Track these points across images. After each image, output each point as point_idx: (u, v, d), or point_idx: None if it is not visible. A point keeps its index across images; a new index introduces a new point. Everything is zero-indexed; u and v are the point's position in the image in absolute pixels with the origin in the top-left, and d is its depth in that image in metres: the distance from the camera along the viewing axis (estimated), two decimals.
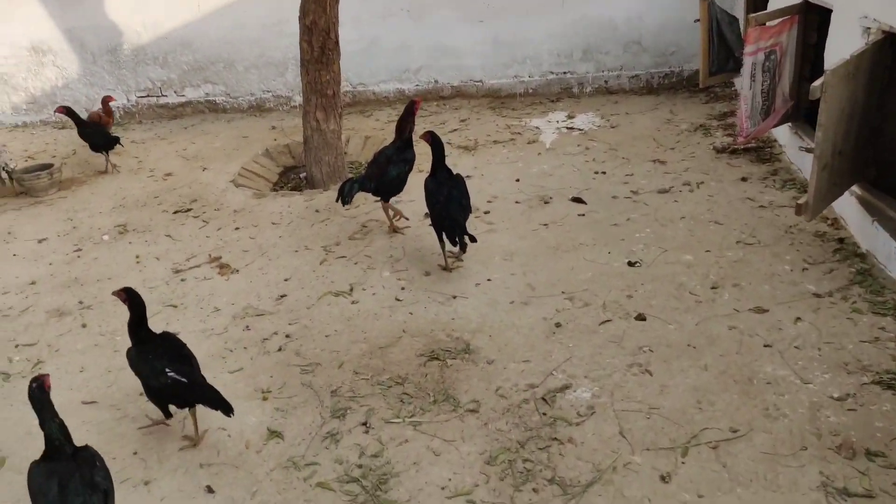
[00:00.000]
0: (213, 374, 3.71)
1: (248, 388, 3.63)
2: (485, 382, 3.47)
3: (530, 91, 8.61)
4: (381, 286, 4.54)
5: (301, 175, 7.05)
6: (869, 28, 4.53)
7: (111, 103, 7.51)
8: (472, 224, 5.33)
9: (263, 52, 8.54)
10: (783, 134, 6.34)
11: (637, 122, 7.52)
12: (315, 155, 6.70)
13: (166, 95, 8.75)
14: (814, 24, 5.88)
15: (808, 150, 5.17)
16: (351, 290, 4.51)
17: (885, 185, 4.75)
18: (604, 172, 6.25)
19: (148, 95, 8.75)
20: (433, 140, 4.76)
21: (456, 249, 4.67)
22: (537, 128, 7.58)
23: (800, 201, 4.41)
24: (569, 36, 8.35)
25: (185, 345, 3.30)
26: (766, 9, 6.61)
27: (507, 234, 5.19)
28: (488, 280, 4.52)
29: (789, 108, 6.11)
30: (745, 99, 5.82)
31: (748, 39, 5.61)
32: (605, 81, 8.50)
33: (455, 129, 7.73)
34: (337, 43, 6.52)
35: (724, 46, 7.25)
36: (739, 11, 7.53)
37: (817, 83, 4.10)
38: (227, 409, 3.10)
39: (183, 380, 3.10)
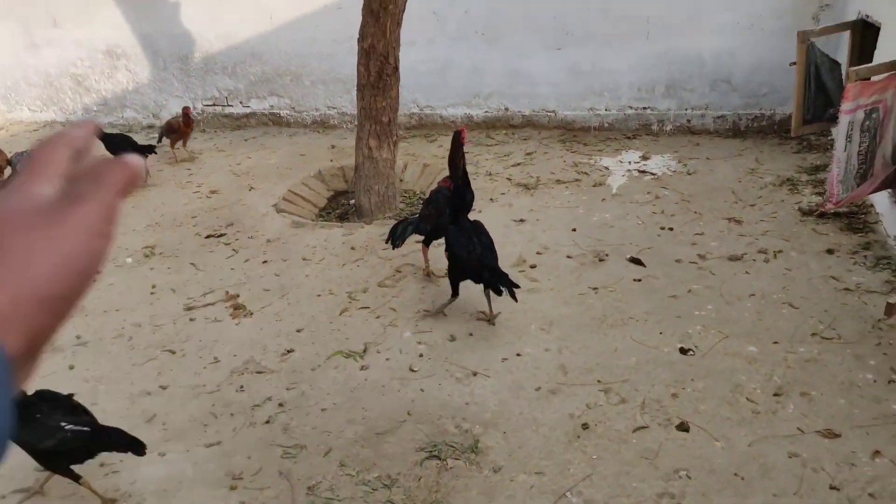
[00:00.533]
0: (188, 446, 3.44)
1: (220, 470, 3.31)
2: (486, 497, 3.03)
3: (606, 125, 8.06)
4: (398, 349, 4.17)
5: (350, 202, 6.80)
6: None
7: (190, 113, 7.47)
8: (514, 275, 4.91)
9: (332, 67, 8.36)
10: (882, 201, 5.59)
11: (717, 169, 6.87)
12: (365, 183, 6.42)
13: (232, 105, 8.70)
14: None
15: None
16: (364, 351, 4.17)
17: None
18: (671, 228, 5.68)
19: (214, 104, 8.73)
20: (455, 191, 4.43)
21: (491, 311, 4.30)
22: (607, 168, 7.04)
23: (891, 301, 3.76)
24: (652, 69, 7.76)
25: (69, 396, 3.06)
26: (871, 60, 5.86)
27: (551, 297, 4.73)
28: (517, 355, 4.09)
29: (890, 174, 5.37)
30: (837, 161, 5.13)
31: (847, 96, 4.93)
32: (688, 120, 7.86)
33: (518, 164, 7.29)
34: (396, 69, 6.22)
35: (822, 93, 6.52)
36: (843, 55, 6.76)
37: None
38: (138, 448, 2.95)
39: (85, 429, 2.87)
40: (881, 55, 5.78)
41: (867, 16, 6.30)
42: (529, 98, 8.15)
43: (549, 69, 7.97)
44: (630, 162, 7.16)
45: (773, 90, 7.54)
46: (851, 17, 6.70)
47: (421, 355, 4.12)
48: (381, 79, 6.16)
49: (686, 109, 7.84)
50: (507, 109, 8.25)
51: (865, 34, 6.46)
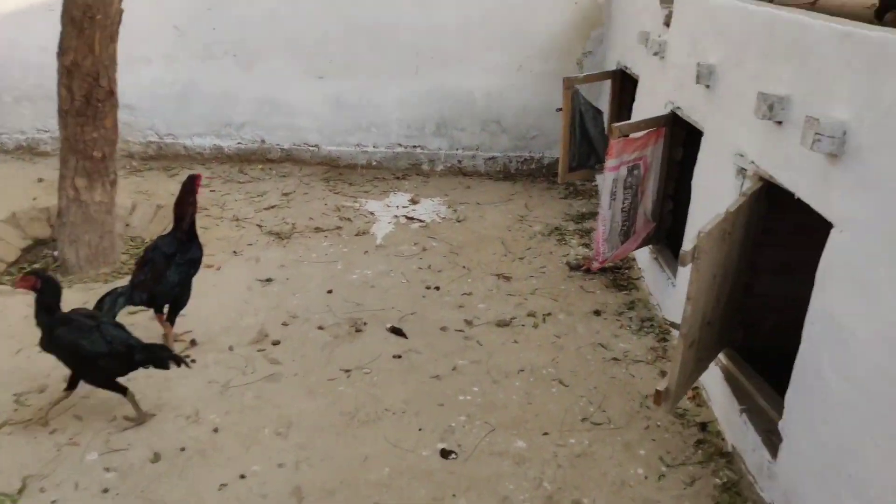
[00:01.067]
0: None
1: None
2: None
3: (374, 163, 7.44)
4: (73, 483, 3.07)
5: (53, 253, 5.42)
6: (744, 170, 3.70)
7: None
8: (251, 358, 4.01)
9: (42, 82, 6.83)
10: (643, 257, 5.52)
11: (488, 215, 6.52)
12: (71, 232, 5.13)
13: None
14: (680, 138, 5.12)
15: (673, 326, 4.28)
16: (21, 490, 3.01)
17: (752, 350, 3.95)
18: (437, 287, 5.13)
19: None
20: (44, 286, 3.39)
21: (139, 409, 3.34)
22: (373, 214, 6.38)
23: (659, 387, 3.44)
24: (422, 105, 7.29)
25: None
26: (630, 115, 5.84)
27: (294, 386, 3.89)
28: (241, 477, 3.19)
29: (651, 231, 5.30)
30: (603, 219, 4.92)
31: (611, 152, 4.73)
32: (459, 161, 7.49)
33: (273, 206, 6.38)
34: (112, 92, 5.04)
35: (586, 140, 6.44)
36: (605, 104, 6.77)
37: (688, 248, 3.17)
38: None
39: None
40: (639, 107, 5.76)
41: (625, 67, 6.33)
42: (289, 130, 7.30)
43: (310, 99, 7.18)
44: (398, 206, 6.57)
45: (541, 133, 7.42)
46: (612, 66, 6.74)
47: (106, 490, 3.05)
48: (89, 104, 4.94)
49: (457, 149, 7.47)
50: (263, 142, 7.31)
51: (625, 84, 6.50)
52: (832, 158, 2.85)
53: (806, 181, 3.07)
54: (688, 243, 3.18)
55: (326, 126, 7.27)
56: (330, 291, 4.96)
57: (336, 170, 7.36)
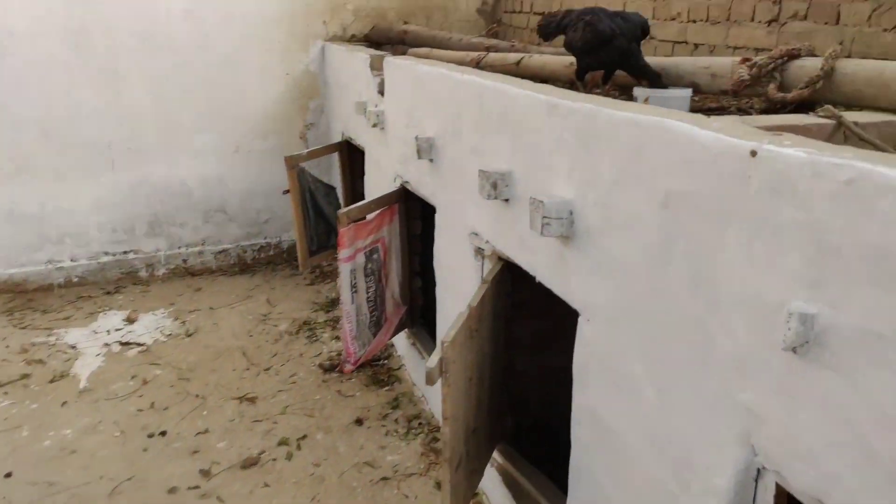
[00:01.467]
0: None
1: None
2: None
3: (76, 279, 6.18)
4: None
5: None
6: (482, 250, 3.37)
7: None
8: None
9: None
10: (402, 344, 5.05)
11: (223, 321, 5.64)
12: None
13: None
14: (417, 211, 4.77)
15: (435, 451, 3.82)
16: None
17: (522, 427, 3.62)
18: (163, 433, 4.16)
19: None
20: None
21: None
22: (74, 347, 5.19)
23: None
24: (127, 204, 6.22)
25: None
26: (364, 193, 5.41)
27: None
28: None
29: (403, 315, 4.85)
30: (348, 315, 4.35)
31: (342, 242, 4.19)
32: (185, 260, 6.52)
33: None
34: None
35: (322, 220, 5.89)
36: (337, 178, 6.30)
37: (432, 363, 2.68)
38: None
39: None
40: (370, 182, 5.35)
41: (350, 138, 5.92)
42: None
43: None
44: (109, 331, 5.44)
45: (274, 216, 6.73)
46: (337, 137, 6.30)
47: None
48: None
49: (180, 248, 6.49)
50: None
51: (355, 155, 6.08)
52: (565, 240, 2.54)
53: (544, 265, 2.75)
54: (433, 357, 2.69)
55: (3, 244, 5.90)
56: (8, 475, 3.76)
57: (23, 296, 5.98)
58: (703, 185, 1.84)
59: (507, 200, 2.99)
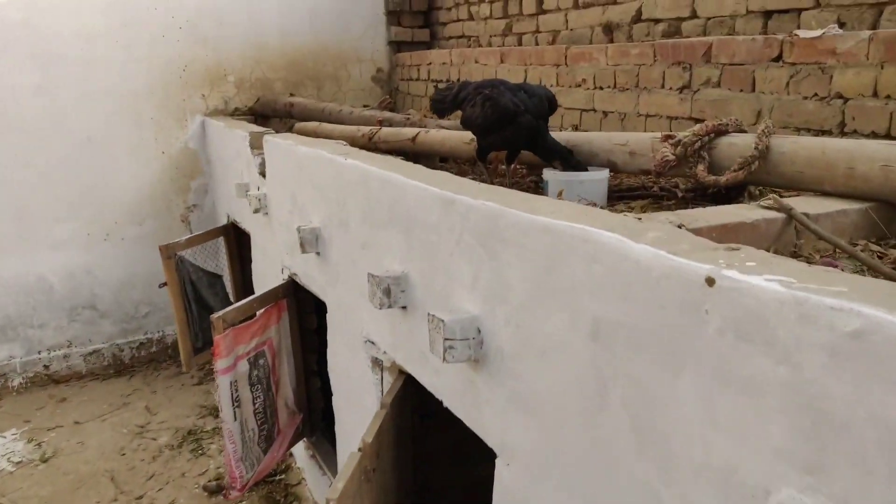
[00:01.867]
0: None
1: None
2: None
3: None
4: None
5: None
6: (379, 361, 2.85)
7: None
8: None
9: None
10: (301, 455, 4.41)
11: (91, 439, 4.83)
12: None
13: None
14: (311, 304, 4.21)
15: None
16: None
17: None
18: None
19: None
20: None
21: None
22: None
23: None
24: None
25: None
26: (246, 289, 4.82)
27: None
28: None
29: (300, 422, 4.22)
30: (230, 435, 3.69)
31: (218, 351, 3.57)
32: (46, 366, 5.65)
33: None
34: None
35: (207, 313, 5.18)
36: (225, 267, 5.66)
37: None
38: None
39: None
40: (258, 272, 4.76)
41: (236, 221, 5.33)
42: None
43: None
44: None
45: (155, 308, 5.98)
46: (223, 220, 5.69)
47: None
48: None
49: (39, 352, 5.63)
50: None
51: (243, 240, 5.48)
52: (475, 364, 2.06)
53: (451, 390, 2.26)
54: None
55: None
56: None
57: None
58: (643, 316, 1.41)
59: (404, 308, 2.50)
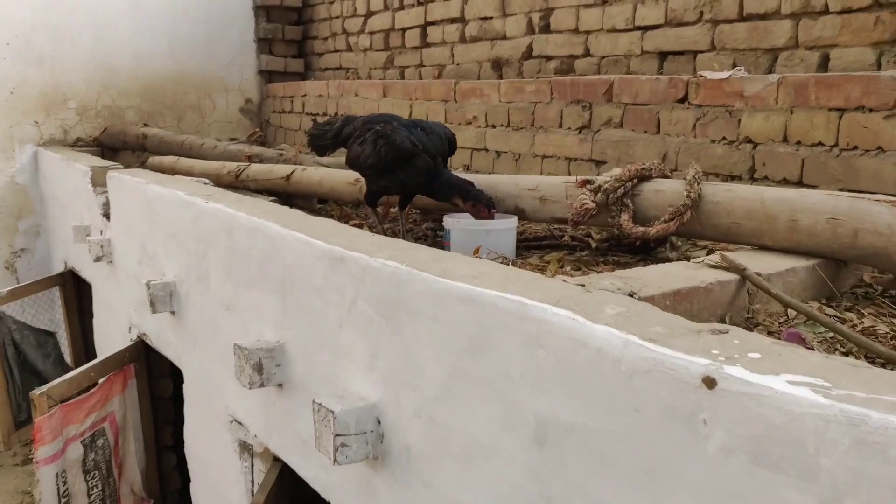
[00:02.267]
0: None
1: None
2: None
3: None
4: None
5: None
6: (249, 446, 2.35)
7: None
8: None
9: None
10: None
11: None
12: None
13: None
14: (165, 366, 3.59)
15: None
16: None
17: None
18: None
19: None
20: None
21: None
22: None
23: None
24: None
25: None
26: (87, 348, 4.11)
27: None
28: None
29: None
30: None
31: (38, 436, 2.90)
32: None
33: None
34: None
35: (35, 379, 4.40)
36: (61, 321, 4.85)
37: None
38: None
39: None
40: (100, 331, 4.07)
41: (75, 269, 4.59)
42: None
43: None
44: None
45: None
46: (59, 266, 4.90)
47: None
48: None
49: None
50: None
51: (84, 290, 4.72)
52: (374, 462, 1.64)
53: (343, 491, 1.82)
54: None
55: None
56: None
57: None
58: (609, 420, 1.06)
59: (280, 385, 2.04)
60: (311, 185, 3.23)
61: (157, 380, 3.63)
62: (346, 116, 2.60)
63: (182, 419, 3.22)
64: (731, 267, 1.49)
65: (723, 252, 1.55)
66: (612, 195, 1.96)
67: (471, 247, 2.15)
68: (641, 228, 1.88)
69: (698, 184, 1.83)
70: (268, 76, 6.10)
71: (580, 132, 3.20)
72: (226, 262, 2.31)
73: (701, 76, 2.65)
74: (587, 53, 3.65)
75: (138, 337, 3.38)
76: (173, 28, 5.58)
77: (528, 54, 3.98)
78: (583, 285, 1.30)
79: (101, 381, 3.24)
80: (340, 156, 2.89)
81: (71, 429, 3.03)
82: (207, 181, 3.53)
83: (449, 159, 2.36)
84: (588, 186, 2.02)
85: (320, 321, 1.81)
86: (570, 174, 3.28)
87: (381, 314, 1.56)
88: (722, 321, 1.44)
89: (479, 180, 2.46)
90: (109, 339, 3.85)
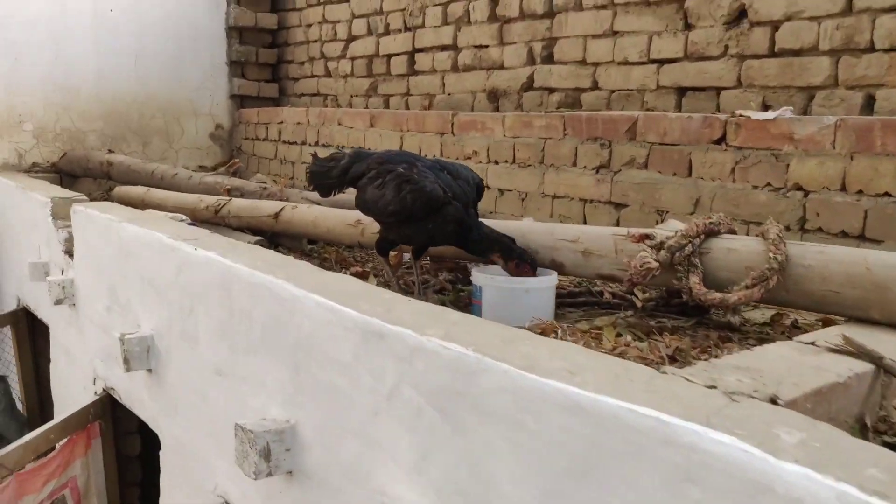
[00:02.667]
0: None
1: None
2: None
3: None
4: None
5: None
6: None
7: None
8: None
9: None
10: None
11: None
12: None
13: None
14: (133, 421, 3.21)
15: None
16: None
17: None
18: None
19: None
20: None
21: None
22: None
23: None
24: None
25: None
26: (42, 394, 3.70)
27: None
28: None
29: None
30: None
31: None
32: None
33: None
34: None
35: None
36: (12, 365, 4.40)
37: None
38: None
39: None
40: (58, 379, 3.66)
41: (29, 307, 4.16)
42: None
43: None
44: None
45: None
46: (11, 303, 4.46)
47: None
48: None
49: None
50: None
51: (40, 329, 4.28)
52: None
53: None
54: None
55: None
56: None
57: None
58: None
59: (290, 473, 1.72)
60: (304, 226, 2.92)
61: (123, 437, 3.25)
62: (355, 151, 2.32)
63: (151, 480, 2.86)
64: (860, 353, 1.25)
65: (846, 335, 1.30)
66: (678, 253, 1.72)
67: (507, 308, 1.89)
68: (719, 295, 1.64)
69: (784, 244, 1.60)
70: (240, 101, 5.78)
71: (597, 172, 2.97)
72: (220, 322, 1.99)
73: (740, 115, 2.45)
74: (595, 87, 3.45)
75: (104, 391, 3.00)
76: (140, 47, 5.23)
77: (529, 86, 3.76)
78: (714, 386, 1.04)
79: (61, 443, 2.85)
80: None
81: (27, 500, 2.64)
82: (184, 217, 3.19)
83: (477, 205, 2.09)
84: (647, 242, 1.77)
85: (347, 404, 1.51)
86: (584, 217, 3.05)
87: (437, 408, 1.27)
88: (860, 423, 1.20)
89: (507, 228, 2.20)
90: (69, 388, 3.45)
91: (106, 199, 3.89)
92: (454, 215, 1.89)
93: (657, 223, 2.72)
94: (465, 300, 2.13)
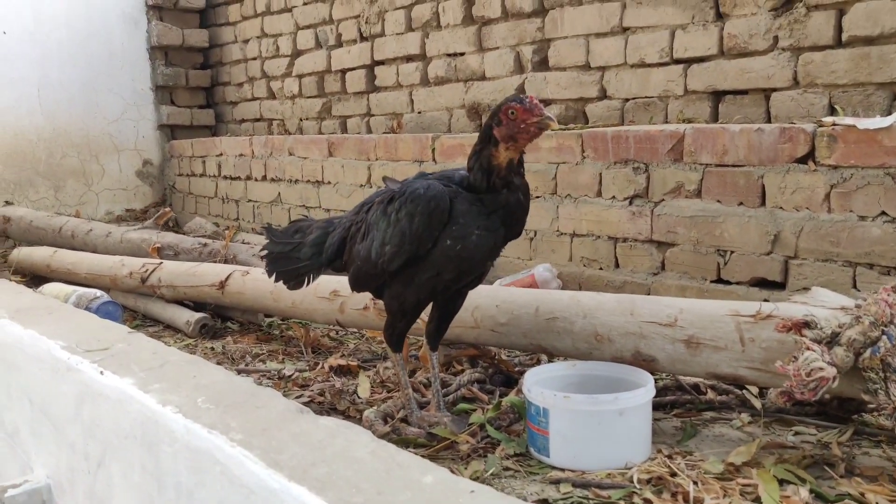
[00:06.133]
0: None
1: None
2: None
3: None
4: None
5: None
6: None
7: None
8: None
9: None
10: None
11: None
12: None
13: None
14: None
15: None
16: None
17: None
18: None
19: None
20: None
21: None
22: None
23: None
24: None
25: None
26: None
27: None
28: None
29: None
30: None
31: None
32: None
33: None
34: None
35: None
36: None
37: None
38: None
39: None
40: None
41: None
42: None
43: None
44: None
45: None
46: None
47: None
48: None
49: None
50: None
51: None
52: None
53: None
54: None
55: None
56: None
57: None
58: None
59: None
60: (259, 298, 2.21)
61: None
62: (327, 221, 1.64)
63: None
64: None
65: None
66: (864, 352, 1.09)
67: (590, 437, 1.24)
68: None
69: None
70: (170, 131, 5.00)
71: (631, 203, 2.35)
72: (145, 495, 1.27)
73: (835, 124, 1.86)
74: (604, 95, 2.85)
75: None
76: (42, 74, 4.41)
77: None
78: None
79: None
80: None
81: None
82: (98, 293, 2.45)
83: None
84: (807, 332, 1.14)
85: None
86: (616, 260, 2.43)
87: None
88: None
89: (554, 302, 1.54)
90: None
91: None
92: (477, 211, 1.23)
93: (720, 266, 2.11)
94: (507, 419, 1.46)
